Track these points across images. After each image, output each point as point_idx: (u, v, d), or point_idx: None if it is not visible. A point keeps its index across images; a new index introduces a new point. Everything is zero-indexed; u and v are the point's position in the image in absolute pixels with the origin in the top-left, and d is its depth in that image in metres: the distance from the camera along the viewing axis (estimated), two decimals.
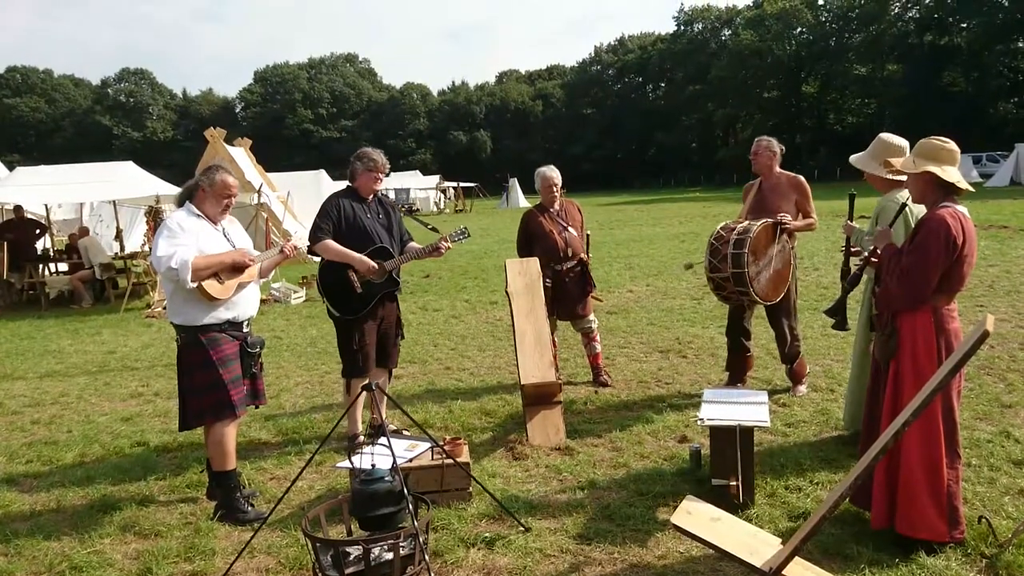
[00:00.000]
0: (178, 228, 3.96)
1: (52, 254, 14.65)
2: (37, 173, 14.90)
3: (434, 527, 3.76)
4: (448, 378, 6.87)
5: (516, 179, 44.69)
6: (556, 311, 6.08)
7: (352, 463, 3.42)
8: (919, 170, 3.32)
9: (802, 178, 5.65)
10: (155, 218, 12.75)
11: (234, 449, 4.14)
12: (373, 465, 3.15)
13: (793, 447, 4.68)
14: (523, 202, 40.96)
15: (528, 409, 5.10)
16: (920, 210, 3.65)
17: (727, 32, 71.25)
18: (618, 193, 56.04)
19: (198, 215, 4.10)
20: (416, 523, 2.95)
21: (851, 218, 4.51)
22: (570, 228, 6.13)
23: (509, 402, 5.91)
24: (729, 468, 3.82)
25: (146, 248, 13.34)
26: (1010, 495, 3.84)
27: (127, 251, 14.67)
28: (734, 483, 3.80)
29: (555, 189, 6.13)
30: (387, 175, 5.13)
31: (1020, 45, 50.12)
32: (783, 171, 5.68)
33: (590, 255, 6.31)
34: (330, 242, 4.73)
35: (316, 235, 4.75)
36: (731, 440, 3.82)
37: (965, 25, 52.36)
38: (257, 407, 4.47)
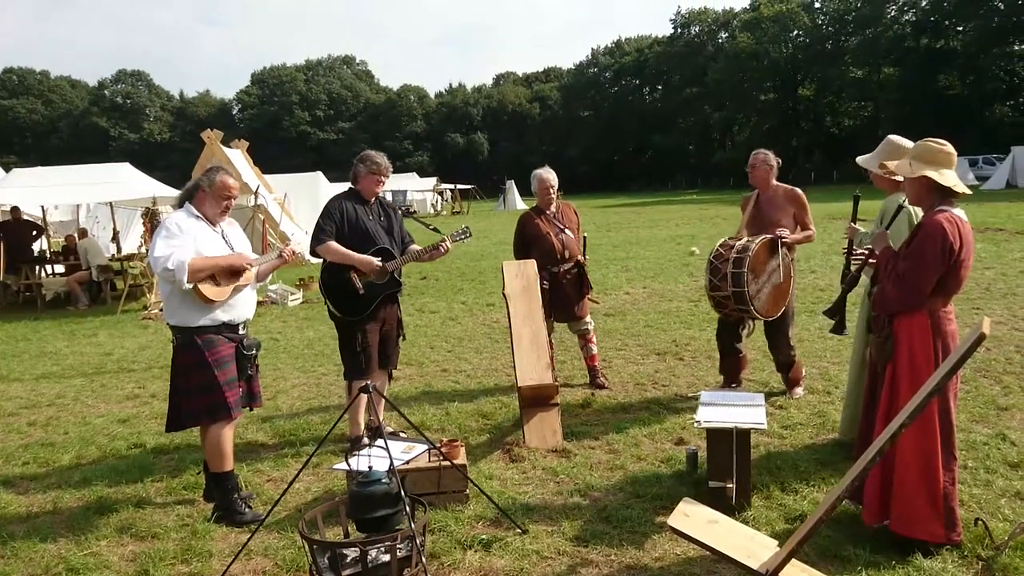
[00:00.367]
0: (176, 229, 3.96)
1: (49, 256, 14.62)
2: (34, 174, 14.89)
3: (431, 529, 3.75)
4: (445, 380, 6.87)
5: (513, 181, 44.72)
6: (553, 313, 6.08)
7: (349, 465, 3.42)
8: (916, 174, 3.32)
9: (799, 191, 5.66)
10: (152, 220, 12.73)
11: (231, 451, 4.14)
12: (370, 467, 3.15)
13: (790, 449, 4.69)
14: (520, 204, 41.01)
15: (525, 411, 5.10)
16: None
17: (724, 35, 71.39)
18: (615, 195, 56.11)
19: (197, 216, 4.09)
20: (413, 525, 2.95)
21: (854, 220, 4.49)
22: (567, 230, 6.14)
23: (506, 404, 5.91)
24: (726, 470, 3.82)
25: (143, 250, 13.32)
26: (1006, 497, 3.85)
27: (124, 253, 14.67)
28: (731, 485, 3.81)
29: (551, 191, 6.14)
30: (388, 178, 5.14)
31: (1016, 48, 50.27)
32: (780, 183, 5.70)
33: (587, 257, 6.32)
34: (333, 244, 4.74)
35: (319, 236, 4.76)
36: (728, 442, 3.82)
37: (961, 28, 52.52)
38: (253, 409, 4.46)
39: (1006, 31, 47.93)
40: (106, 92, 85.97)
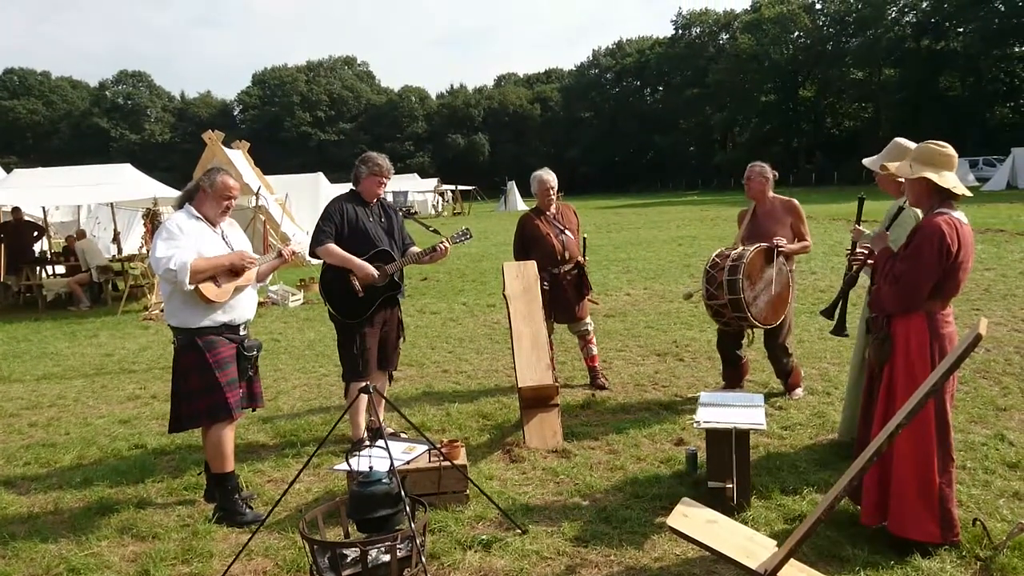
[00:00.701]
0: (177, 230, 3.98)
1: (49, 256, 14.64)
2: (34, 175, 14.94)
3: (431, 529, 3.76)
4: (446, 381, 6.88)
5: (514, 182, 44.73)
6: (553, 314, 6.09)
7: (350, 466, 3.43)
8: (915, 175, 3.33)
9: (796, 202, 5.66)
10: (152, 220, 12.77)
11: (232, 451, 4.15)
12: (371, 467, 3.17)
13: (789, 450, 4.70)
14: (521, 205, 41.02)
15: (525, 412, 5.11)
16: None
17: (725, 36, 71.41)
18: (616, 196, 56.13)
19: (197, 217, 4.11)
20: (413, 525, 2.96)
21: (859, 222, 4.48)
22: (567, 231, 6.15)
23: (506, 405, 5.92)
24: (725, 471, 3.83)
25: (143, 250, 13.34)
26: (1004, 497, 3.86)
27: (124, 253, 14.68)
28: (730, 486, 3.82)
29: (551, 192, 6.15)
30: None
31: (1017, 50, 50.27)
32: (777, 195, 5.71)
33: (587, 258, 6.33)
34: (332, 246, 4.74)
35: (318, 238, 4.77)
36: (727, 443, 3.83)
37: (962, 30, 52.49)
38: (254, 410, 4.47)
39: (1007, 33, 47.93)
40: (107, 93, 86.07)
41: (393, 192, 38.62)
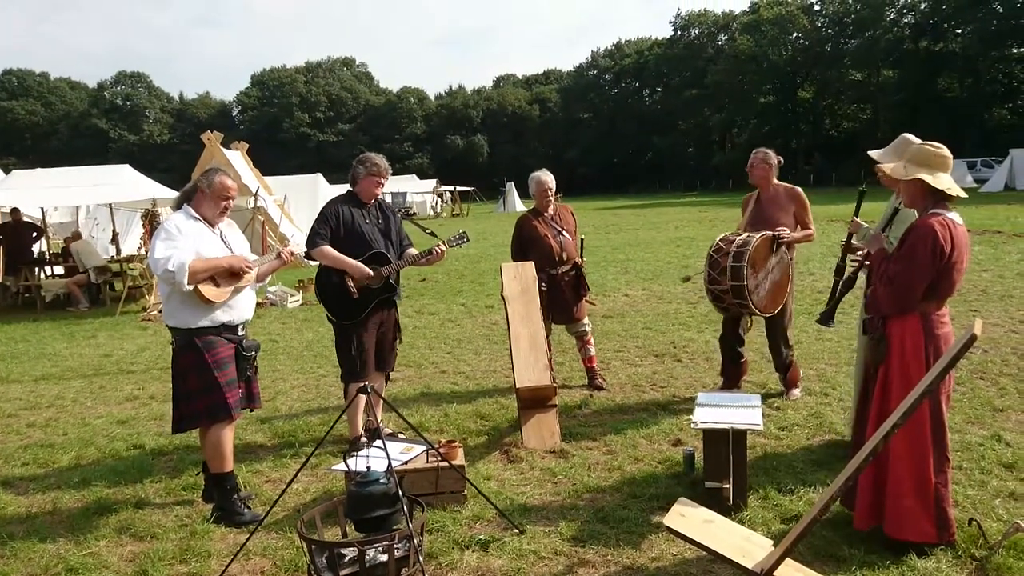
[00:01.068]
0: (175, 231, 3.98)
1: (48, 257, 14.64)
2: (33, 176, 14.95)
3: (429, 529, 3.77)
4: (444, 382, 6.89)
5: (512, 183, 44.73)
6: (551, 315, 6.10)
7: (348, 466, 3.43)
8: (910, 176, 3.34)
9: (800, 189, 5.67)
10: (151, 221, 12.77)
11: (231, 451, 4.16)
12: (368, 468, 3.17)
13: (786, 450, 4.71)
14: (520, 206, 41.02)
15: (523, 412, 5.12)
16: None
17: (723, 37, 71.44)
18: (615, 197, 56.14)
19: (196, 218, 4.11)
20: (411, 525, 2.97)
21: (857, 214, 4.48)
22: (564, 232, 6.16)
23: (504, 405, 5.93)
24: (722, 471, 3.84)
25: (142, 251, 13.34)
26: (1000, 498, 3.87)
27: (123, 254, 14.68)
28: (727, 486, 3.83)
29: (549, 193, 6.16)
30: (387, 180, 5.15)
31: (1015, 51, 50.33)
32: (781, 183, 5.71)
33: (584, 259, 6.34)
34: (327, 248, 4.75)
35: (314, 240, 4.78)
36: (724, 443, 3.84)
37: (960, 31, 52.58)
38: (252, 410, 4.48)
39: (1005, 34, 48.00)
40: (106, 94, 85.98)
41: (392, 193, 38.64)
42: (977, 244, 13.67)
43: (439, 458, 3.99)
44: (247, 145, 19.07)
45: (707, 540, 2.95)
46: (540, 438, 4.99)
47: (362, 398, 4.32)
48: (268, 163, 25.05)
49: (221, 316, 4.06)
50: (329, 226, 4.78)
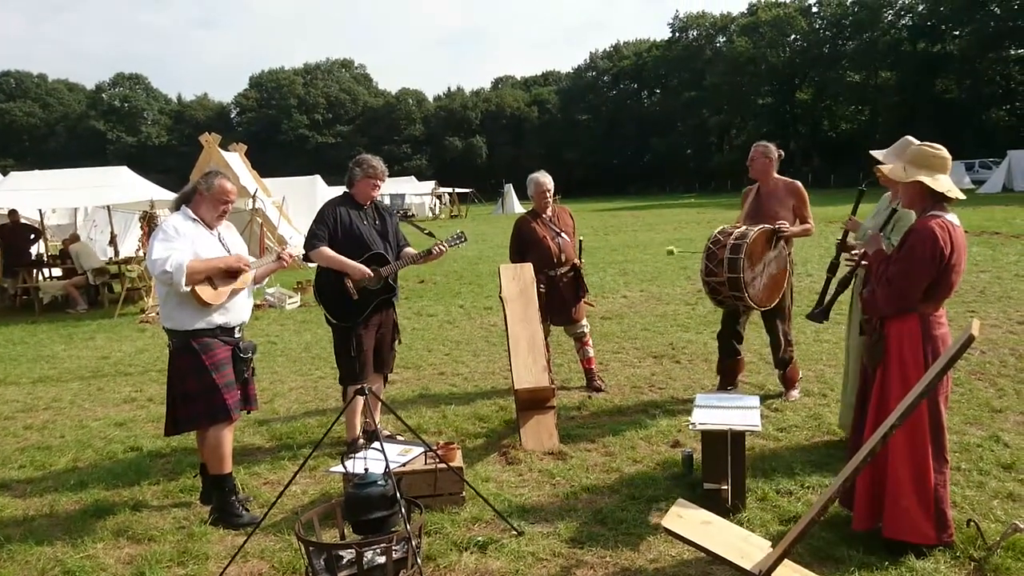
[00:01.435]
0: (173, 232, 3.98)
1: (46, 259, 14.63)
2: (31, 178, 14.92)
3: (427, 531, 3.77)
4: (442, 383, 6.89)
5: (511, 185, 44.73)
6: (549, 316, 6.10)
7: (346, 468, 3.43)
8: (909, 178, 3.34)
9: (799, 184, 5.68)
10: (150, 223, 12.75)
11: (230, 453, 4.15)
12: (366, 469, 3.17)
13: (785, 451, 4.71)
14: (518, 208, 41.01)
15: (521, 414, 5.11)
16: None
17: (722, 39, 71.49)
18: (613, 199, 56.16)
19: (194, 219, 4.11)
20: (409, 527, 2.97)
21: (854, 213, 4.48)
22: (563, 234, 6.16)
23: (503, 407, 5.93)
24: (720, 472, 3.84)
25: (140, 253, 13.33)
26: (999, 498, 3.88)
27: (121, 256, 14.67)
28: (725, 487, 3.82)
29: (548, 195, 6.16)
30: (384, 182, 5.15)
31: (1012, 53, 50.45)
32: (780, 177, 5.71)
33: (583, 260, 6.34)
34: (325, 249, 4.74)
35: (311, 242, 4.77)
36: (722, 444, 3.84)
37: (958, 33, 52.69)
38: (249, 412, 4.47)
39: (1003, 35, 48.13)
40: (104, 95, 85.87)
41: (391, 195, 38.64)
42: (975, 245, 13.69)
43: (437, 460, 3.99)
44: (245, 147, 19.04)
45: (705, 541, 2.95)
46: (538, 440, 4.99)
47: (360, 400, 4.33)
48: (266, 165, 25.04)
49: (218, 318, 4.05)
50: (327, 227, 4.78)
